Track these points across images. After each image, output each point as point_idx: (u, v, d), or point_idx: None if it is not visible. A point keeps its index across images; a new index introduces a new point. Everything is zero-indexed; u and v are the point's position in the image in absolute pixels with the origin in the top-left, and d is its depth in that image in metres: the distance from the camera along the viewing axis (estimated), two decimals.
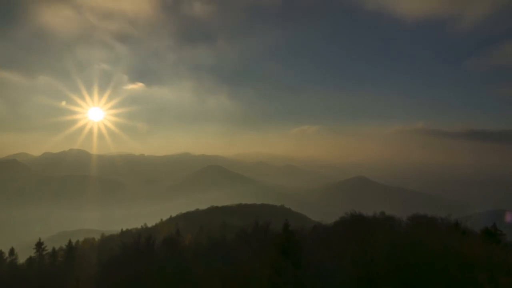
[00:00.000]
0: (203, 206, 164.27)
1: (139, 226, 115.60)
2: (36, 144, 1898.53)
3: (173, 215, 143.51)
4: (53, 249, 64.00)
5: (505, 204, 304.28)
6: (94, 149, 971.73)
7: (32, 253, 64.02)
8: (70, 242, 65.05)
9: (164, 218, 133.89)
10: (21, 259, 65.72)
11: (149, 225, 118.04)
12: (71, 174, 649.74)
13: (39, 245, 64.16)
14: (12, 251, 65.85)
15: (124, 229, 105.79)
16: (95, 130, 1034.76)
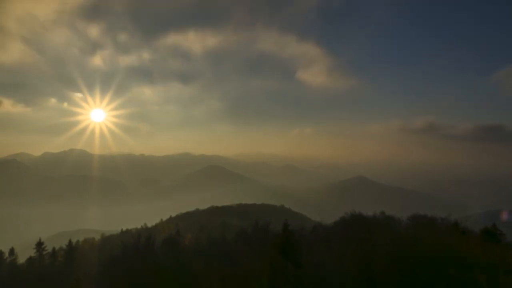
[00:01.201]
0: (203, 206, 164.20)
1: (139, 226, 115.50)
2: (36, 145, 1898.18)
3: (173, 215, 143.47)
4: (53, 249, 63.95)
5: (505, 204, 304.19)
6: (94, 149, 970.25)
7: (32, 253, 63.96)
8: (70, 242, 64.99)
9: (164, 218, 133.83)
10: (21, 259, 65.60)
11: (149, 225, 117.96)
12: (71, 174, 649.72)
13: (39, 245, 64.12)
14: (12, 251, 65.70)
15: (124, 229, 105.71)
16: (96, 131, 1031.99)
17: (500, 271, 24.25)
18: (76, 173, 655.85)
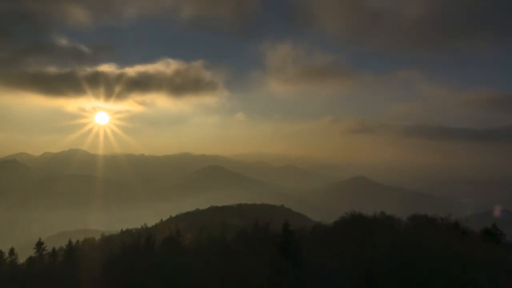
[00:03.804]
0: (203, 206, 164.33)
1: (139, 226, 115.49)
2: (36, 145, 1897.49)
3: (173, 215, 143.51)
4: (53, 249, 63.87)
5: (506, 204, 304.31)
6: (94, 149, 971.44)
7: (32, 253, 63.85)
8: (70, 242, 64.90)
9: (164, 218, 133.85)
10: (21, 259, 65.57)
11: (149, 225, 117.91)
12: (71, 174, 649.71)
13: (39, 245, 64.03)
14: (12, 251, 65.67)
15: (124, 229, 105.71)
16: (96, 131, 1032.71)
17: (500, 271, 24.29)
18: (76, 173, 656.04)
